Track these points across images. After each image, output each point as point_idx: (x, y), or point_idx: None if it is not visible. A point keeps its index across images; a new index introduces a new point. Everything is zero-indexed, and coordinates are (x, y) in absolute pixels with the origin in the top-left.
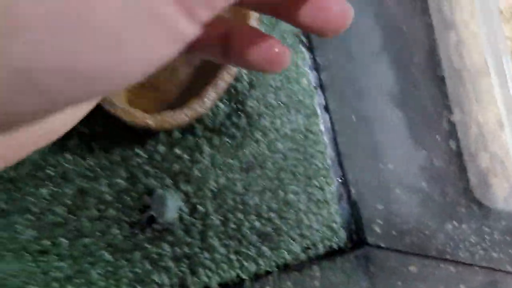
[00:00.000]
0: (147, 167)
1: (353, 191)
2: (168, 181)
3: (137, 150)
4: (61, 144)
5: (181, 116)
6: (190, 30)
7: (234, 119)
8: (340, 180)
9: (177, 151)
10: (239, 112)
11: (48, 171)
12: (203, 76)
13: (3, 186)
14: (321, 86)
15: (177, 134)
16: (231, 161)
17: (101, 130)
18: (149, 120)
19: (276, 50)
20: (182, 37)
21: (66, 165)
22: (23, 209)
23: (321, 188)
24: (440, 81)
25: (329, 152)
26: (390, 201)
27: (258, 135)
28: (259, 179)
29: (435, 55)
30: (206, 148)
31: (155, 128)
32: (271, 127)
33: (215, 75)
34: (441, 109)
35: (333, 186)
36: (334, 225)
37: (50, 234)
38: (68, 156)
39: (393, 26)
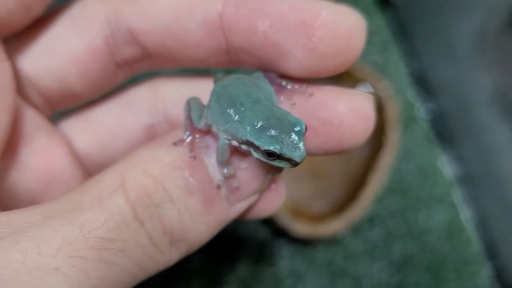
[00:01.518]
0: (310, 268)
1: (506, 273)
2: (328, 280)
3: (299, 258)
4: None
5: (338, 225)
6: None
7: (381, 219)
8: (491, 265)
9: (336, 250)
10: (384, 212)
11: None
12: (354, 183)
13: None
14: (459, 179)
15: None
16: (384, 256)
17: (269, 240)
18: (309, 232)
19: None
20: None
21: (241, 274)
22: None
23: (473, 275)
24: None
25: (476, 239)
26: None
27: (404, 230)
28: (411, 272)
29: None
30: (361, 246)
31: (314, 238)
32: (416, 223)
33: (365, 183)
34: None
35: (484, 271)
36: None
37: None
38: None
39: None
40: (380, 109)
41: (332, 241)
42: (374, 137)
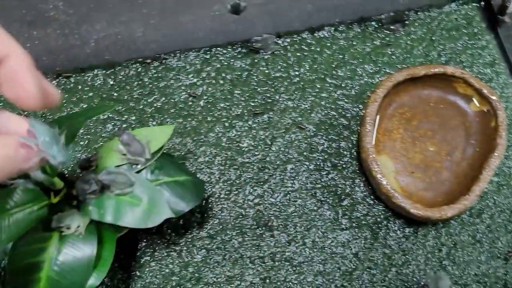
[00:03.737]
0: (420, 252)
1: None
2: (436, 264)
3: (409, 241)
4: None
5: (449, 213)
6: None
7: (490, 214)
8: None
9: (446, 238)
10: (493, 207)
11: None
12: (464, 181)
13: None
14: None
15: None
16: (491, 249)
17: (383, 220)
18: (429, 213)
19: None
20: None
21: (355, 249)
22: None
23: None
24: None
25: None
26: None
27: None
28: None
29: None
30: (469, 237)
31: (431, 220)
32: None
33: (475, 180)
34: None
35: None
36: None
37: None
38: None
39: None
40: (492, 114)
41: (442, 229)
42: (486, 139)
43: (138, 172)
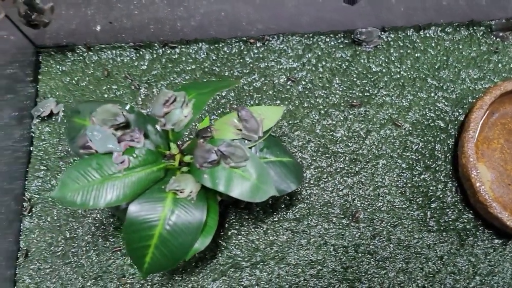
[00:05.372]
0: (507, 265)
1: None
2: None
3: (498, 249)
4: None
5: None
6: None
7: None
8: None
9: None
10: None
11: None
12: None
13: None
14: None
15: None
16: None
17: (472, 228)
18: None
19: None
20: None
21: (440, 253)
22: None
23: None
24: None
25: None
26: None
27: None
28: None
29: None
30: None
31: None
32: None
33: None
34: None
35: None
36: None
37: None
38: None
39: None
40: None
41: None
42: None
43: (249, 148)
